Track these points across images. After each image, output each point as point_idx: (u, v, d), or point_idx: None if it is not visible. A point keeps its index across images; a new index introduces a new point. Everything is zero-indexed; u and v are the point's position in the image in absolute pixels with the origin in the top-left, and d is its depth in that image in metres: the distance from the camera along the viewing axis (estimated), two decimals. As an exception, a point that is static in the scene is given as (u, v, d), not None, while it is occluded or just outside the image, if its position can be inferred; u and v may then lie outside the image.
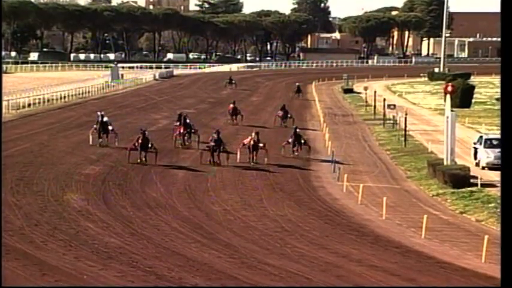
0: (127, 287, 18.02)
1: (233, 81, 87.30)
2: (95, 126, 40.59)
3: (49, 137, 43.80)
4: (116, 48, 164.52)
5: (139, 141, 35.28)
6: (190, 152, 39.53)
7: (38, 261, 19.69)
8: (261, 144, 36.97)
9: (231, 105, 54.33)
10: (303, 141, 39.78)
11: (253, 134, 37.44)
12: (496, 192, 29.72)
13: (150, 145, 35.35)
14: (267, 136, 43.62)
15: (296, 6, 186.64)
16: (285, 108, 53.64)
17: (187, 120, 41.70)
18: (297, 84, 79.78)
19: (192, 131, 41.55)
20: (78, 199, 27.52)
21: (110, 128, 40.47)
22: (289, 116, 52.86)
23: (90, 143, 39.86)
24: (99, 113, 41.50)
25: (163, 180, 31.74)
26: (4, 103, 57.32)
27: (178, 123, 42.61)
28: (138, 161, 34.89)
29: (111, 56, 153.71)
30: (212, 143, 36.19)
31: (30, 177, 31.12)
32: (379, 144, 46.81)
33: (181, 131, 41.14)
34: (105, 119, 40.46)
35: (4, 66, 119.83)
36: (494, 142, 35.86)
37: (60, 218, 24.50)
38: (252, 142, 36.86)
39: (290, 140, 39.66)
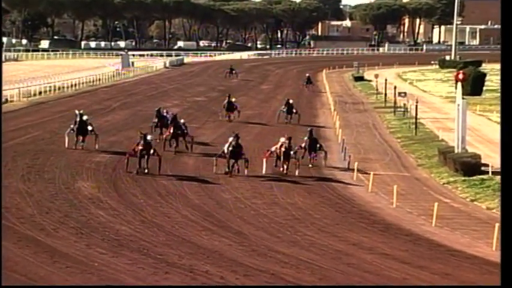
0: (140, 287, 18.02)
1: (234, 71, 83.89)
2: (72, 126, 35.50)
3: (60, 124, 43.84)
4: (127, 36, 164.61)
5: (140, 147, 30.14)
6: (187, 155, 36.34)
7: (49, 249, 19.77)
8: (292, 152, 31.65)
9: (226, 100, 48.70)
10: (318, 145, 34.22)
11: (282, 139, 31.82)
12: (507, 180, 29.62)
13: (152, 151, 30.39)
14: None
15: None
16: (289, 103, 48.15)
17: (182, 121, 36.77)
18: (307, 75, 76.22)
19: (185, 132, 36.26)
20: (89, 187, 27.60)
21: (89, 128, 35.47)
22: (294, 111, 47.64)
23: (66, 145, 34.92)
24: (77, 112, 36.28)
25: (173, 168, 31.75)
26: (15, 91, 57.56)
27: (156, 120, 38.71)
28: (136, 171, 29.82)
29: (122, 43, 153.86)
30: (230, 148, 30.72)
31: (41, 164, 31.21)
32: (389, 132, 46.74)
33: (171, 131, 35.95)
34: (84, 117, 35.54)
35: (15, 54, 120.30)
36: None
37: (71, 206, 24.59)
38: (283, 149, 31.27)
39: (303, 145, 33.94)
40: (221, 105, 48.78)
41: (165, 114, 38.99)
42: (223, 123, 46.27)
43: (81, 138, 35.06)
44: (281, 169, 31.29)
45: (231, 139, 31.20)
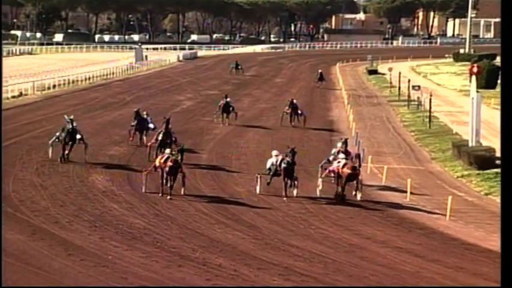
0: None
1: (239, 66, 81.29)
2: (57, 134, 30.84)
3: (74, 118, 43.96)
4: (140, 30, 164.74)
5: (170, 163, 25.48)
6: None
7: (63, 242, 19.86)
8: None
9: (223, 101, 43.29)
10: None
11: (341, 155, 27.10)
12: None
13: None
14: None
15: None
16: (293, 103, 43.28)
17: (169, 126, 32.03)
18: (319, 71, 71.54)
19: (175, 140, 31.63)
20: (103, 180, 27.67)
21: (78, 136, 30.73)
22: (299, 112, 43.04)
23: (50, 156, 30.74)
24: (66, 117, 31.43)
25: (187, 162, 31.73)
26: (29, 84, 57.79)
27: (135, 122, 34.77)
28: (168, 196, 25.20)
29: (135, 37, 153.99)
30: (284, 165, 26.09)
31: (56, 158, 31.27)
32: (403, 125, 46.64)
33: (159, 138, 31.32)
34: (74, 124, 31.01)
35: (30, 47, 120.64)
36: None
37: (85, 199, 24.68)
38: (349, 170, 25.75)
39: (331, 158, 28.26)
40: (218, 105, 43.64)
41: (145, 116, 34.99)
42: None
43: (68, 148, 30.51)
44: (339, 192, 25.93)
45: (275, 153, 26.99)
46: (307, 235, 21.65)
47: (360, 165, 26.61)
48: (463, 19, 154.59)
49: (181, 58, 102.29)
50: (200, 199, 25.42)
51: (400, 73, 64.84)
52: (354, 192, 26.20)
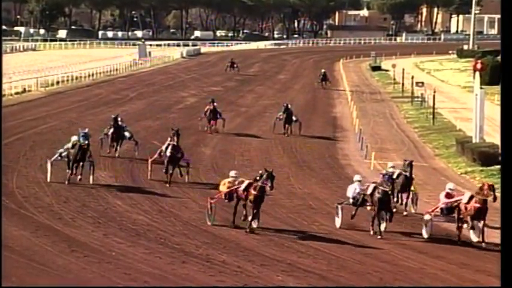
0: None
1: (235, 65, 77.71)
2: (61, 150, 26.67)
3: (77, 114, 44.04)
4: (144, 26, 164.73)
5: (255, 191, 21.12)
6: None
7: (67, 238, 19.88)
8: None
9: (210, 105, 38.90)
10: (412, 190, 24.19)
11: (451, 185, 22.39)
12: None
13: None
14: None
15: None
16: (288, 109, 39.17)
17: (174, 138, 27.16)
18: (323, 70, 67.11)
19: (179, 155, 27.01)
20: (107, 176, 27.67)
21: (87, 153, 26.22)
22: (294, 119, 39.01)
23: (48, 178, 26.23)
24: (81, 131, 26.88)
25: (191, 158, 31.73)
26: (33, 80, 57.80)
27: (112, 130, 31.13)
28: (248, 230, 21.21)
29: (139, 33, 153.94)
30: (379, 195, 21.10)
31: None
32: (407, 122, 46.62)
33: (167, 160, 26.62)
34: (89, 139, 26.78)
35: (33, 43, 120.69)
36: None
37: (88, 195, 24.68)
38: (476, 204, 20.42)
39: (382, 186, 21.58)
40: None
41: (120, 123, 31.74)
42: (239, 114, 46.17)
43: (74, 169, 26.14)
44: (475, 239, 21.04)
45: (357, 177, 22.67)
46: (311, 232, 21.64)
47: (495, 199, 20.46)
48: (466, 15, 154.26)
49: (184, 54, 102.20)
50: (204, 195, 25.39)
51: (403, 69, 64.77)
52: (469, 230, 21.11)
